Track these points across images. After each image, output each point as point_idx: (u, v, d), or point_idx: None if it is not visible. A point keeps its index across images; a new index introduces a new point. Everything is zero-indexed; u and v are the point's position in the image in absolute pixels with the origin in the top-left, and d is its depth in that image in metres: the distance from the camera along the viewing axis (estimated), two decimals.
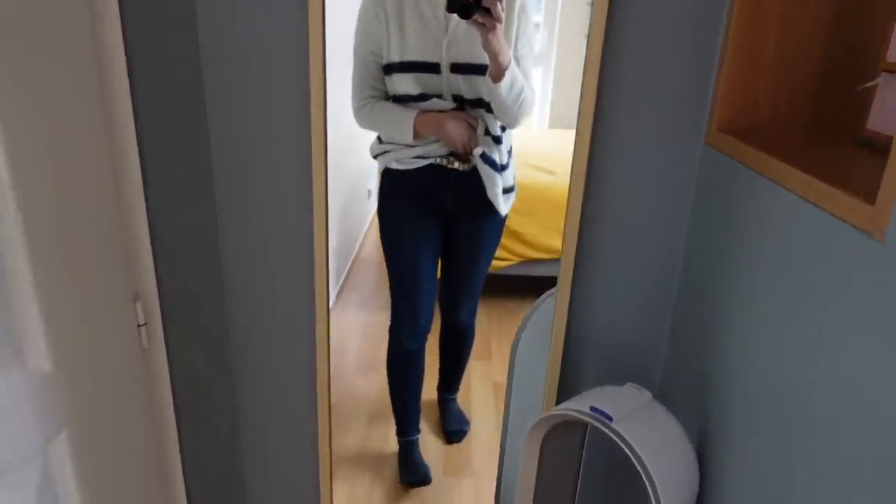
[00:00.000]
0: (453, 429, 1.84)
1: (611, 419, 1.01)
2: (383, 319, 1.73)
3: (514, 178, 1.56)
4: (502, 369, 1.92)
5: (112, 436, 0.98)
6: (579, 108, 1.14)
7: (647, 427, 1.03)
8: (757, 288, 0.94)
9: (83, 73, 0.86)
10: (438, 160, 1.48)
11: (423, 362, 1.74)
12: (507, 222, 1.66)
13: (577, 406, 1.06)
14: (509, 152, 1.51)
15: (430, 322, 1.69)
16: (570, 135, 1.83)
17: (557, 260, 1.85)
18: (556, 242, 1.82)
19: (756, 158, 0.95)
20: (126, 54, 0.90)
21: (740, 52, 1.06)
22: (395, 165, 1.51)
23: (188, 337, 1.18)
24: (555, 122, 1.80)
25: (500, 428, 1.46)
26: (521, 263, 1.87)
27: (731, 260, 1.03)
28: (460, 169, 1.48)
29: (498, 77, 1.32)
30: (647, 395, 1.09)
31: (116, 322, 0.98)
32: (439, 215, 1.58)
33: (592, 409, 1.04)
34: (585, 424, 1.26)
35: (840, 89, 1.06)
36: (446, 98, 1.41)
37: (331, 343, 1.93)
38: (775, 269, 0.89)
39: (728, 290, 1.04)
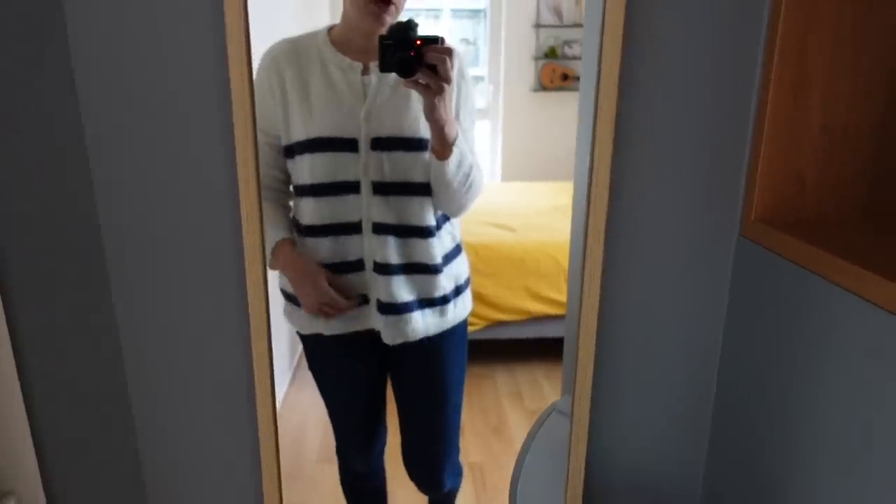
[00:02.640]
0: None
1: None
2: None
3: (464, 277, 1.32)
4: (476, 447, 1.78)
5: None
6: (588, 195, 0.97)
7: None
8: (828, 408, 0.81)
9: None
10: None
11: (383, 480, 1.46)
12: (472, 285, 1.56)
13: None
14: (458, 248, 1.28)
15: (382, 440, 1.42)
16: (524, 187, 1.77)
17: (525, 321, 1.75)
18: (523, 303, 1.74)
19: (808, 254, 0.81)
20: None
21: (779, 127, 0.90)
22: (311, 331, 1.28)
23: None
24: (507, 176, 1.74)
25: None
26: (487, 327, 1.76)
27: (786, 375, 0.89)
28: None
29: (444, 153, 1.10)
30: None
31: None
32: (376, 347, 1.28)
33: None
34: None
35: None
36: (364, 186, 1.13)
37: (290, 429, 1.77)
38: (847, 387, 0.76)
39: (786, 412, 0.89)
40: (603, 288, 1.03)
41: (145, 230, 1.00)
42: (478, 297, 1.73)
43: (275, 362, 1.62)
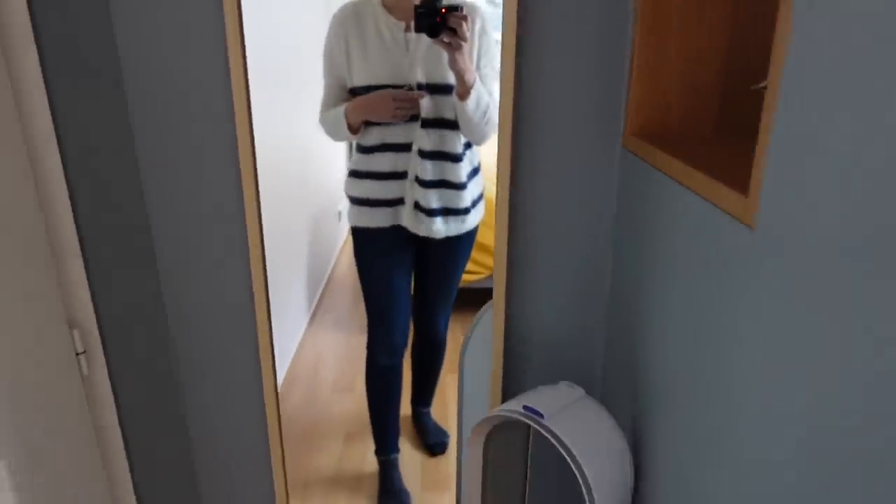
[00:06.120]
0: (434, 441, 1.86)
1: (542, 416, 1.03)
2: (359, 339, 1.75)
3: (479, 192, 1.63)
4: None
5: (55, 465, 1.00)
6: (499, 118, 1.21)
7: (579, 422, 1.05)
8: (669, 283, 0.98)
9: None
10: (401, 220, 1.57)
11: (401, 377, 1.78)
12: (477, 236, 1.69)
13: (512, 407, 1.08)
14: (476, 170, 1.59)
15: (406, 338, 1.74)
16: None
17: None
18: None
19: (662, 160, 0.99)
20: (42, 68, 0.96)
21: (645, 61, 1.12)
22: (363, 224, 1.61)
23: (132, 362, 1.20)
24: None
25: None
26: (489, 277, 1.88)
27: (649, 258, 1.07)
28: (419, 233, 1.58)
29: (464, 95, 1.39)
30: (580, 391, 1.11)
31: (52, 351, 1.01)
32: (411, 242, 1.65)
33: (525, 407, 1.05)
34: (527, 425, 1.27)
35: (743, 92, 1.13)
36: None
37: (306, 364, 1.96)
38: (683, 266, 0.92)
39: (648, 286, 1.08)
40: (512, 196, 1.28)
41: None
42: (482, 248, 1.85)
43: (294, 306, 1.84)
